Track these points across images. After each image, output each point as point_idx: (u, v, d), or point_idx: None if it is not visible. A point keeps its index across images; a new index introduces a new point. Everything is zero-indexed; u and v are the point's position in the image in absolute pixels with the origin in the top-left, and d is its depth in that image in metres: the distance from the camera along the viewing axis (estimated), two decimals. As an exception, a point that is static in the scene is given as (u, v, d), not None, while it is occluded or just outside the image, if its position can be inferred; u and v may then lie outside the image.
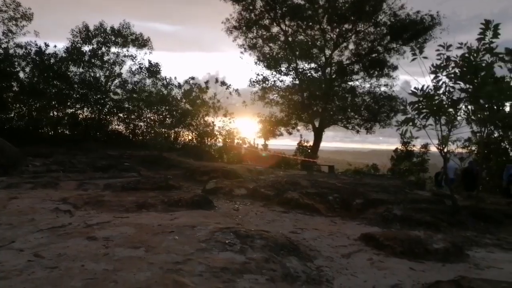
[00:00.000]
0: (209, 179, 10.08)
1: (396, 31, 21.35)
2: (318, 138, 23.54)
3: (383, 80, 23.39)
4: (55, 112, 21.50)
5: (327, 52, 23.09)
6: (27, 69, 20.76)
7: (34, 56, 20.44)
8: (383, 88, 23.33)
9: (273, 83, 24.32)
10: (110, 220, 5.56)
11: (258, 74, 24.25)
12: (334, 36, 22.76)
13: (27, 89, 20.15)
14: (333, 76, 23.24)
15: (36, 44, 20.62)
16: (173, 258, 3.90)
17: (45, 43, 20.71)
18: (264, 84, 24.18)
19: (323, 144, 25.08)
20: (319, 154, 24.10)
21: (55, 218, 5.63)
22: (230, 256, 3.99)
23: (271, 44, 23.92)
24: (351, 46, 23.20)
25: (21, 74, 20.69)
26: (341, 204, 7.61)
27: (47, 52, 20.67)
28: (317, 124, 23.40)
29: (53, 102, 20.94)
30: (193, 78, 23.01)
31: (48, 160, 11.20)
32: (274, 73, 24.11)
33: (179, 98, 22.86)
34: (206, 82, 22.91)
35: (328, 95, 22.47)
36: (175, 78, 23.16)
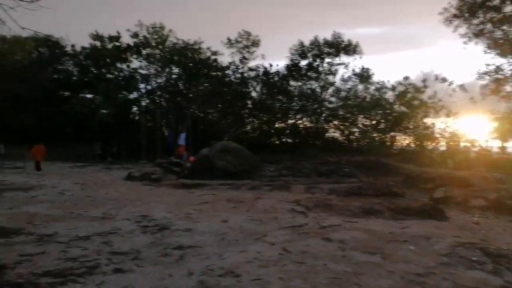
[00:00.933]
0: (434, 187, 9.27)
1: None
2: None
3: None
4: (279, 124, 24.33)
5: None
6: (258, 88, 24.37)
7: (262, 77, 23.79)
8: None
9: (510, 72, 20.25)
10: (340, 224, 5.86)
11: (488, 65, 20.68)
12: None
13: (258, 105, 23.64)
14: None
15: (263, 66, 23.99)
16: (413, 269, 3.77)
17: (270, 64, 23.84)
18: (497, 75, 20.42)
19: None
20: None
21: (293, 218, 6.34)
22: (482, 276, 3.55)
23: (504, 27, 20.02)
24: None
25: (253, 93, 24.43)
26: None
27: (271, 71, 23.71)
28: None
29: (278, 115, 23.76)
30: (406, 78, 21.74)
31: (279, 166, 12.77)
32: (512, 60, 19.99)
33: (392, 101, 22.01)
34: (424, 81, 21.17)
35: None
36: (388, 80, 22.40)
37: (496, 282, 3.41)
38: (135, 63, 24.15)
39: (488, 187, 8.72)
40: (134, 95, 23.87)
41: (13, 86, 19.84)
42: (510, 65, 20.12)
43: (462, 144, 20.10)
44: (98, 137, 18.38)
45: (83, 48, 23.49)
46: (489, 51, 20.23)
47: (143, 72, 24.01)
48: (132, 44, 23.61)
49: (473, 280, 3.45)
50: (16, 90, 19.79)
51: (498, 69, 20.36)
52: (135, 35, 23.48)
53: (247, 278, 3.60)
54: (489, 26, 20.17)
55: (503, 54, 20.00)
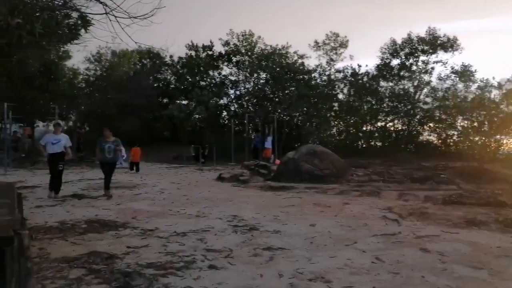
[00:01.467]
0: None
1: None
2: None
3: None
4: (368, 126, 23.42)
5: None
6: (345, 90, 23.79)
7: (350, 78, 23.15)
8: None
9: None
10: (439, 234, 5.42)
11: None
12: None
13: (345, 107, 23.04)
14: None
15: (351, 67, 23.33)
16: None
17: (358, 65, 23.10)
18: None
19: None
20: None
21: (385, 225, 6.04)
22: None
23: None
24: None
25: (340, 95, 23.91)
26: None
27: (360, 72, 22.95)
28: None
29: (366, 117, 22.89)
30: (517, 75, 19.29)
31: (367, 171, 12.29)
32: None
33: (498, 100, 19.68)
34: (538, 78, 18.60)
35: None
36: (493, 78, 20.15)
37: None
38: (225, 70, 25.37)
39: None
40: (224, 100, 25.04)
41: (120, 94, 22.25)
42: None
43: None
44: (191, 140, 19.64)
45: (180, 58, 25.36)
46: None
47: (233, 78, 25.07)
48: (223, 52, 24.81)
49: None
50: (123, 98, 22.16)
51: None
52: (226, 43, 24.64)
53: (338, 284, 3.54)
54: None
55: None
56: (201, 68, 24.75)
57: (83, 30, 6.62)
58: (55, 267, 3.73)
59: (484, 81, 20.13)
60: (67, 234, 5.06)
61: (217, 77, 25.28)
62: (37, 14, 4.79)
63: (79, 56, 25.61)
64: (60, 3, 4.88)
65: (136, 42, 4.95)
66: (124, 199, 8.16)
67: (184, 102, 24.35)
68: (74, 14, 6.03)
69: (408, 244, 4.90)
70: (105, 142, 8.37)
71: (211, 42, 25.11)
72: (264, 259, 4.23)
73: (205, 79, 25.12)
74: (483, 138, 19.94)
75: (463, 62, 20.93)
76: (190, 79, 24.66)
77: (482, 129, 19.98)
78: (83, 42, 7.48)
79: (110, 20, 4.29)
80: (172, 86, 25.82)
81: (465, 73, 20.66)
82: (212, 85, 24.72)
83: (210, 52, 25.09)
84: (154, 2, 4.40)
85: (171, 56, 25.59)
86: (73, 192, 8.80)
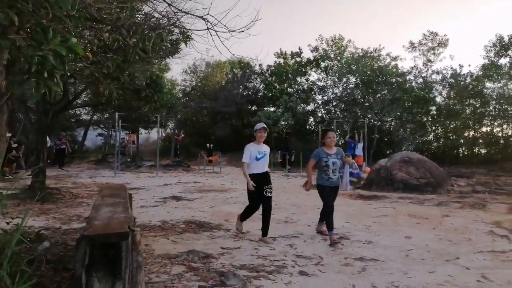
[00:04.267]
0: None
1: None
2: None
3: None
4: (470, 132, 21.31)
5: None
6: (443, 93, 21.97)
7: (450, 79, 21.33)
8: None
9: None
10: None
11: None
12: None
13: (444, 111, 21.27)
14: None
15: (452, 67, 21.50)
16: None
17: (460, 65, 21.19)
18: None
19: None
20: None
21: (492, 241, 5.45)
22: None
23: None
24: None
25: (438, 98, 22.16)
26: None
27: (462, 73, 21.04)
28: None
29: (469, 122, 20.86)
30: None
31: (470, 181, 11.18)
32: None
33: None
34: None
35: None
36: None
37: None
38: (313, 76, 25.29)
39: None
40: (311, 106, 24.94)
41: (213, 103, 23.58)
42: None
43: None
44: (278, 146, 19.93)
45: (269, 66, 26.02)
46: None
47: (320, 84, 24.87)
48: (311, 58, 24.80)
49: None
50: (215, 106, 23.44)
51: None
52: (315, 49, 24.60)
53: (438, 302, 3.31)
54: None
55: None
56: (289, 75, 25.02)
57: (183, 45, 7.24)
58: (159, 263, 4.11)
59: None
60: (168, 233, 5.53)
61: (305, 83, 25.31)
62: (147, 33, 5.38)
63: (177, 68, 27.85)
64: (166, 23, 5.41)
65: (233, 54, 5.28)
66: (217, 202, 8.60)
67: (272, 109, 24.83)
68: (177, 30, 6.63)
69: (522, 264, 4.36)
70: (326, 154, 5.33)
71: (299, 49, 25.29)
72: (356, 269, 4.14)
73: (292, 86, 25.33)
74: None
75: None
76: (278, 87, 25.08)
77: None
78: (182, 56, 8.15)
79: (211, 34, 4.63)
80: (261, 93, 26.52)
81: None
82: (299, 91, 24.81)
83: (298, 59, 25.24)
84: (251, 15, 4.62)
85: (260, 65, 26.37)
86: (172, 194, 9.57)
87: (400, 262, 4.41)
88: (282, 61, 25.61)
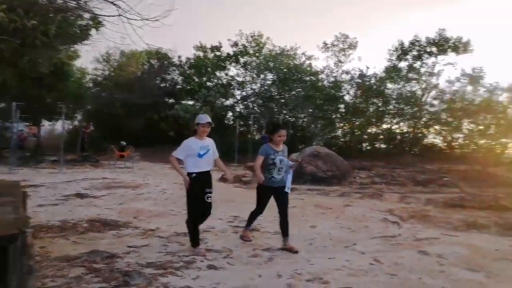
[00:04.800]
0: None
1: None
2: None
3: None
4: (373, 128, 23.31)
5: None
6: (351, 92, 23.71)
7: (357, 79, 23.07)
8: None
9: None
10: (439, 237, 5.43)
11: None
12: None
13: (350, 109, 22.97)
14: None
15: (359, 69, 23.22)
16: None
17: (366, 66, 22.96)
18: None
19: None
20: None
21: (385, 227, 6.06)
22: None
23: None
24: None
25: (346, 97, 23.84)
26: None
27: (368, 74, 22.87)
28: None
29: (372, 119, 22.79)
30: (527, 78, 19.16)
31: (370, 173, 12.27)
32: None
33: (505, 104, 19.60)
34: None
35: None
36: (502, 81, 19.97)
37: None
38: (232, 70, 25.44)
39: None
40: (229, 101, 25.11)
41: (127, 94, 22.42)
42: None
43: None
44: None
45: (188, 58, 25.53)
46: None
47: (239, 79, 25.13)
48: (231, 53, 24.91)
49: None
50: (130, 98, 22.31)
51: None
52: (234, 44, 24.74)
53: (336, 285, 3.58)
54: None
55: None
56: (209, 69, 24.85)
57: (94, 31, 6.73)
58: (55, 266, 3.80)
59: (494, 84, 20.00)
60: (69, 233, 5.13)
61: (224, 78, 25.38)
62: (51, 15, 4.88)
63: (87, 56, 25.92)
64: (74, 5, 4.97)
65: (147, 43, 5.04)
66: (126, 198, 8.22)
67: (190, 102, 24.46)
68: (86, 15, 6.13)
69: (407, 247, 4.92)
70: (274, 151, 4.78)
71: (219, 43, 25.24)
72: (263, 260, 4.28)
73: (212, 79, 25.22)
74: (489, 141, 19.87)
75: (473, 65, 20.70)
76: (197, 80, 24.77)
77: (488, 132, 19.90)
78: (93, 43, 7.58)
79: (123, 21, 4.37)
80: (179, 86, 25.94)
81: (475, 76, 20.45)
82: (218, 86, 24.81)
83: (218, 53, 25.19)
84: (165, 4, 4.46)
85: (179, 57, 25.77)
86: (76, 191, 8.88)
87: (305, 250, 4.67)
88: (201, 54, 25.34)
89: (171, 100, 25.42)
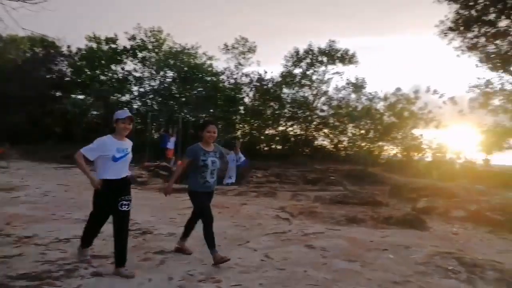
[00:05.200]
0: (418, 197, 9.39)
1: None
2: None
3: None
4: (270, 130, 24.39)
5: None
6: (251, 94, 24.44)
7: (256, 83, 23.87)
8: None
9: (499, 86, 20.61)
10: (324, 231, 5.91)
11: (479, 78, 21.02)
12: None
13: (250, 111, 23.69)
14: None
15: (258, 72, 24.05)
16: (390, 277, 3.83)
17: (264, 71, 23.92)
18: (487, 89, 20.78)
19: None
20: None
21: (277, 224, 6.38)
22: (456, 285, 3.63)
23: (497, 42, 20.30)
24: None
25: (246, 99, 24.49)
26: None
27: (266, 78, 23.82)
28: None
29: (269, 122, 23.82)
30: (399, 89, 22.09)
31: (266, 172, 12.82)
32: (502, 74, 20.35)
33: (383, 111, 22.33)
34: (416, 92, 21.53)
35: None
36: (380, 90, 22.68)
37: (469, 292, 3.49)
38: (129, 65, 24.13)
39: (470, 198, 8.87)
40: (126, 97, 23.82)
41: (5, 85, 19.61)
42: (500, 79, 20.51)
43: (448, 155, 20.38)
44: (87, 138, 18.27)
45: (79, 49, 23.44)
46: (481, 65, 20.55)
47: (137, 74, 23.99)
48: (128, 46, 23.60)
49: (446, 289, 3.52)
50: (8, 89, 19.55)
51: (488, 82, 20.75)
52: (132, 37, 23.48)
53: (227, 283, 3.63)
54: (482, 40, 20.49)
55: (494, 69, 20.35)
56: (102, 61, 23.18)
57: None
58: None
59: (373, 93, 22.63)
60: None
61: (120, 72, 23.95)
62: None
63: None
64: None
65: (24, 29, 4.47)
66: (-1, 202, 7.20)
67: (81, 96, 22.54)
68: None
69: (296, 242, 5.25)
70: (204, 151, 4.29)
71: (115, 35, 23.71)
72: (154, 263, 4.14)
73: (106, 73, 23.60)
74: (369, 144, 22.40)
75: (356, 75, 23.08)
76: (89, 72, 22.91)
77: (368, 136, 22.43)
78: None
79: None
80: (68, 78, 23.69)
81: (358, 85, 22.83)
82: (113, 80, 23.33)
83: (113, 46, 23.64)
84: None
85: (68, 46, 23.53)
86: None
87: (199, 251, 4.64)
88: (94, 45, 23.51)
89: (58, 93, 23.10)
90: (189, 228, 4.58)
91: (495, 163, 20.63)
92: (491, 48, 20.50)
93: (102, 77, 23.22)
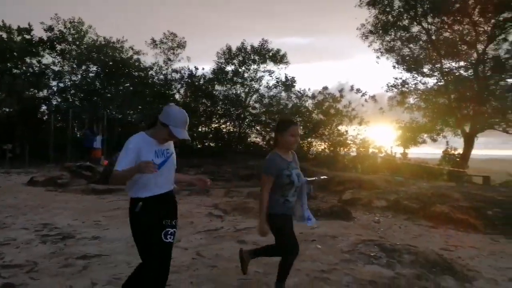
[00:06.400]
0: (344, 189, 9.91)
1: None
2: (468, 145, 20.80)
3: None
4: (203, 127, 24.14)
5: (480, 47, 20.33)
6: (182, 91, 23.93)
7: (187, 79, 23.43)
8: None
9: (413, 86, 22.59)
10: (255, 226, 5.96)
11: (396, 78, 22.84)
12: (489, 28, 19.90)
13: (181, 108, 23.18)
14: (488, 74, 20.30)
15: (189, 68, 23.60)
16: (318, 267, 3.97)
17: (195, 67, 23.55)
18: (403, 88, 22.65)
19: (474, 152, 22.06)
20: (469, 163, 21.29)
21: (210, 222, 6.31)
22: (377, 270, 3.86)
23: (411, 45, 22.29)
24: (513, 37, 19.79)
25: (177, 96, 23.93)
26: (505, 221, 6.58)
27: (197, 74, 23.48)
28: (467, 129, 20.72)
29: (202, 119, 23.56)
30: (326, 88, 23.13)
31: (200, 170, 12.66)
32: (415, 75, 22.35)
33: (311, 109, 23.23)
34: (341, 91, 22.73)
35: (482, 96, 19.73)
36: (309, 89, 23.55)
37: (389, 274, 3.75)
38: (47, 58, 22.23)
39: (390, 189, 9.57)
40: (43, 92, 21.96)
41: None
42: (414, 79, 22.51)
43: (370, 150, 21.86)
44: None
45: (-14, 39, 21.05)
46: (397, 66, 22.42)
47: (56, 68, 22.20)
48: (45, 38, 21.71)
49: (369, 274, 3.74)
50: None
51: (404, 83, 22.64)
52: (49, 29, 21.63)
53: (155, 285, 3.48)
54: (398, 43, 22.38)
55: (408, 70, 22.31)
56: (15, 53, 21.08)
57: None
58: None
59: (302, 92, 23.44)
60: None
61: (36, 66, 21.98)
62: None
63: None
64: None
65: None
66: None
67: (-10, 91, 20.32)
68: None
69: (228, 238, 5.23)
70: (286, 163, 3.13)
71: (29, 25, 21.67)
72: (77, 269, 3.86)
73: (19, 66, 21.51)
74: (299, 141, 23.22)
75: (286, 74, 23.70)
76: (-1, 65, 20.73)
77: (298, 133, 23.25)
78: None
79: None
80: (-27, 71, 21.21)
81: (287, 84, 23.48)
82: (28, 74, 21.35)
83: (27, 36, 21.60)
84: None
85: (-27, 36, 21.04)
86: None
87: (126, 253, 4.42)
88: (5, 35, 21.29)
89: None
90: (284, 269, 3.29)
91: (412, 156, 22.65)
92: (405, 51, 22.49)
93: (15, 71, 21.15)
